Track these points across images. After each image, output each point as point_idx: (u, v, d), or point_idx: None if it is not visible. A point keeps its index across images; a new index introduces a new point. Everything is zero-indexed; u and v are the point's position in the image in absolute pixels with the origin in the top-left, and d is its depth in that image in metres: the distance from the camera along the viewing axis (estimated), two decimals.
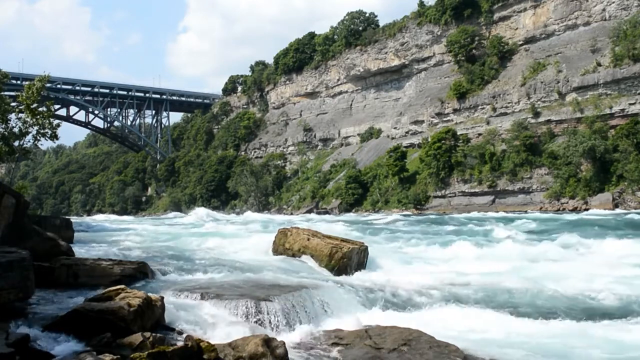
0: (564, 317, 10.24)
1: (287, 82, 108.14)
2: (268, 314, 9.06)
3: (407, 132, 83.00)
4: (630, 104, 55.75)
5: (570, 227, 27.66)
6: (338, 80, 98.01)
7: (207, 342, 6.77)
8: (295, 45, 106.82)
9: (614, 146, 54.01)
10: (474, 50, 75.28)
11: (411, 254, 18.63)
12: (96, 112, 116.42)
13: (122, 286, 8.55)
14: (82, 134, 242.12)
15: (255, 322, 8.91)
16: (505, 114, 67.57)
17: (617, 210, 47.58)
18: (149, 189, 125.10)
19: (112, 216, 73.95)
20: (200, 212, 55.75)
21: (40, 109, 25.20)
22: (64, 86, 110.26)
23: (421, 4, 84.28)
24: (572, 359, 8.00)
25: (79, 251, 15.69)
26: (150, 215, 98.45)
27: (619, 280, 13.30)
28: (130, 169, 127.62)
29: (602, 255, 17.47)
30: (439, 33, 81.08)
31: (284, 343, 7.17)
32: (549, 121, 62.45)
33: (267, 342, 7.03)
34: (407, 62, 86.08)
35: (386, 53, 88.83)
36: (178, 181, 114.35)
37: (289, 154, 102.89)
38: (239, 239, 21.78)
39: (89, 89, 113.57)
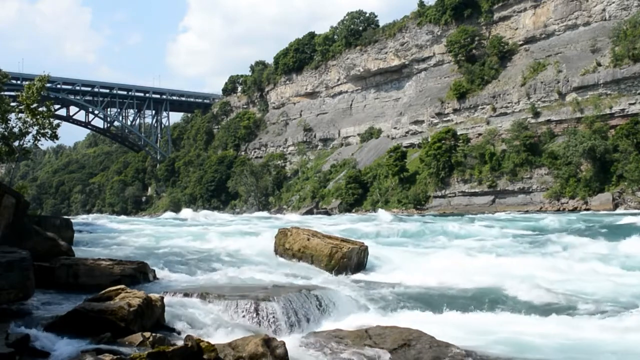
0: (565, 316, 10.23)
1: (287, 82, 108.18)
2: (268, 314, 9.05)
3: (407, 132, 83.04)
4: (630, 104, 55.76)
5: None
6: (338, 80, 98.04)
7: (207, 342, 6.77)
8: (295, 45, 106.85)
9: (614, 146, 54.01)
10: (474, 50, 75.30)
11: (412, 254, 18.60)
12: (96, 112, 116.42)
13: (122, 286, 8.55)
14: (82, 134, 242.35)
15: (255, 322, 8.91)
16: (505, 114, 67.58)
17: (618, 211, 47.59)
18: (149, 189, 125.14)
19: (91, 216, 73.11)
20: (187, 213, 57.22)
21: (40, 109, 25.11)
22: (64, 86, 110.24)
23: (421, 4, 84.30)
24: (572, 358, 8.00)
25: (80, 251, 15.68)
26: (151, 216, 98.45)
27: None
28: (130, 169, 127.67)
29: None
30: (439, 33, 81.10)
31: (284, 343, 7.17)
32: (549, 121, 62.47)
33: (267, 342, 7.03)
34: (407, 62, 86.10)
35: (386, 53, 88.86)
36: (178, 181, 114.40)
37: (289, 154, 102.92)
38: (239, 239, 21.77)
39: (89, 89, 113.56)
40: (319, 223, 35.13)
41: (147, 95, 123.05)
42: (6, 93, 34.93)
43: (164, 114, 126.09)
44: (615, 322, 9.67)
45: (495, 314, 10.43)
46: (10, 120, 24.74)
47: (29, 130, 24.51)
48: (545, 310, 10.69)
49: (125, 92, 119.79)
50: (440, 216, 52.23)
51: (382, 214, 49.49)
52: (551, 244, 20.43)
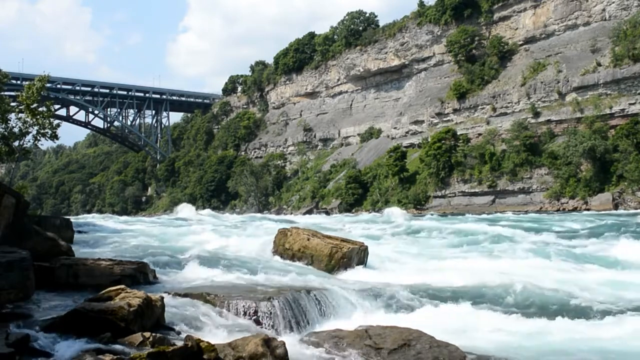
0: (565, 317, 10.21)
1: (287, 82, 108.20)
2: (268, 314, 9.05)
3: (407, 132, 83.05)
4: (630, 104, 55.79)
5: None
6: (338, 80, 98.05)
7: (207, 342, 6.77)
8: (295, 45, 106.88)
9: (614, 146, 54.03)
10: (474, 50, 75.32)
11: (412, 254, 18.59)
12: (96, 112, 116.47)
13: (122, 286, 8.54)
14: (82, 134, 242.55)
15: (255, 322, 8.91)
16: (505, 114, 67.60)
17: (618, 211, 47.55)
18: (149, 189, 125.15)
19: (94, 216, 72.15)
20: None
21: (40, 109, 25.16)
22: (64, 86, 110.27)
23: (421, 4, 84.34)
24: (573, 359, 7.99)
25: (79, 251, 15.68)
26: (150, 215, 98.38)
27: None
28: (130, 169, 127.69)
29: None
30: (439, 33, 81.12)
31: (284, 343, 7.16)
32: (549, 121, 62.49)
33: (267, 342, 7.02)
34: (407, 62, 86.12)
35: (386, 53, 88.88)
36: (178, 181, 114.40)
37: (289, 154, 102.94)
38: (239, 239, 21.76)
39: (89, 89, 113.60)
40: (338, 225, 32.99)
41: (147, 95, 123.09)
42: (6, 93, 34.94)
43: (164, 114, 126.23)
44: None
45: (498, 313, 10.39)
46: (10, 120, 24.79)
47: (29, 130, 24.56)
48: (555, 312, 10.59)
49: (125, 92, 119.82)
50: (442, 216, 52.15)
51: (395, 212, 47.37)
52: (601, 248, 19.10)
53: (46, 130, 24.88)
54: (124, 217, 65.97)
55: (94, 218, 54.18)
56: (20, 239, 11.69)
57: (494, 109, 69.07)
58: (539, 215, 46.23)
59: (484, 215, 44.50)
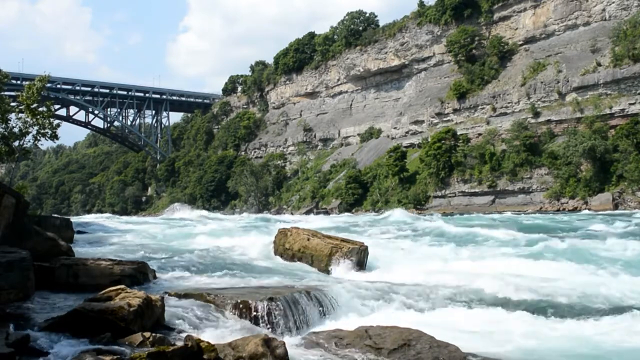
0: (565, 316, 10.19)
1: (287, 82, 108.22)
2: (268, 314, 9.04)
3: (407, 132, 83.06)
4: (630, 104, 55.81)
5: None
6: (338, 80, 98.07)
7: (207, 342, 6.76)
8: (295, 45, 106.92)
9: (614, 146, 54.04)
10: (474, 50, 75.34)
11: (412, 254, 18.55)
12: (96, 112, 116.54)
13: (122, 286, 8.53)
14: (82, 134, 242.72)
15: (255, 322, 8.90)
16: (505, 114, 67.61)
17: (618, 211, 47.54)
18: (149, 189, 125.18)
19: (95, 216, 71.01)
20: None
21: (41, 109, 25.14)
22: (64, 86, 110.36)
23: (421, 4, 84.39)
24: (573, 358, 7.99)
25: (79, 251, 15.69)
26: (150, 215, 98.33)
27: None
28: (130, 169, 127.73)
29: None
30: (439, 33, 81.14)
31: (284, 343, 7.15)
32: (549, 121, 62.51)
33: (267, 342, 7.01)
34: (407, 62, 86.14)
35: (386, 53, 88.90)
36: (178, 181, 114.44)
37: (289, 154, 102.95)
38: (239, 239, 21.76)
39: (89, 89, 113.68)
40: (356, 228, 30.39)
41: (147, 95, 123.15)
42: (6, 93, 34.88)
43: (164, 114, 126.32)
44: None
45: (498, 313, 10.36)
46: (10, 120, 24.74)
47: (29, 130, 24.54)
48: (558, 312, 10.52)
49: (125, 92, 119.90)
50: (446, 215, 52.13)
51: (400, 213, 44.65)
52: None
53: (46, 130, 24.86)
54: (125, 217, 65.81)
55: (97, 218, 54.10)
56: (20, 239, 11.70)
57: (494, 109, 69.08)
58: (554, 215, 45.31)
59: (495, 215, 43.53)
